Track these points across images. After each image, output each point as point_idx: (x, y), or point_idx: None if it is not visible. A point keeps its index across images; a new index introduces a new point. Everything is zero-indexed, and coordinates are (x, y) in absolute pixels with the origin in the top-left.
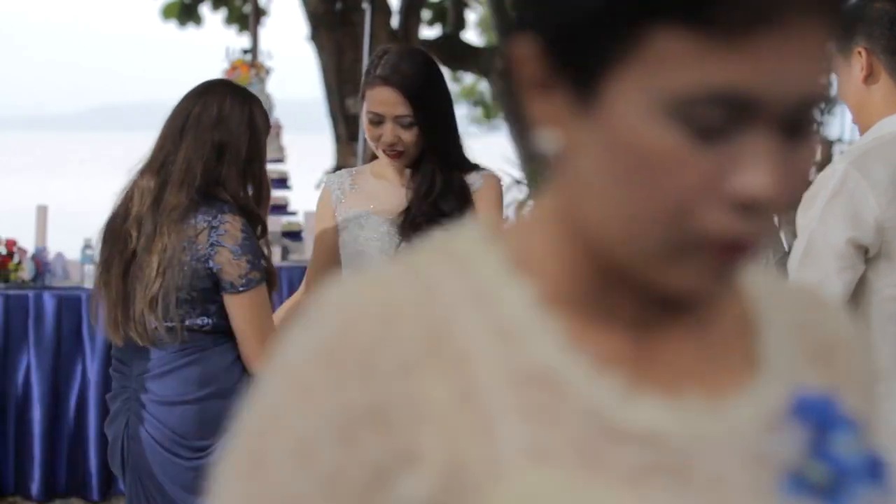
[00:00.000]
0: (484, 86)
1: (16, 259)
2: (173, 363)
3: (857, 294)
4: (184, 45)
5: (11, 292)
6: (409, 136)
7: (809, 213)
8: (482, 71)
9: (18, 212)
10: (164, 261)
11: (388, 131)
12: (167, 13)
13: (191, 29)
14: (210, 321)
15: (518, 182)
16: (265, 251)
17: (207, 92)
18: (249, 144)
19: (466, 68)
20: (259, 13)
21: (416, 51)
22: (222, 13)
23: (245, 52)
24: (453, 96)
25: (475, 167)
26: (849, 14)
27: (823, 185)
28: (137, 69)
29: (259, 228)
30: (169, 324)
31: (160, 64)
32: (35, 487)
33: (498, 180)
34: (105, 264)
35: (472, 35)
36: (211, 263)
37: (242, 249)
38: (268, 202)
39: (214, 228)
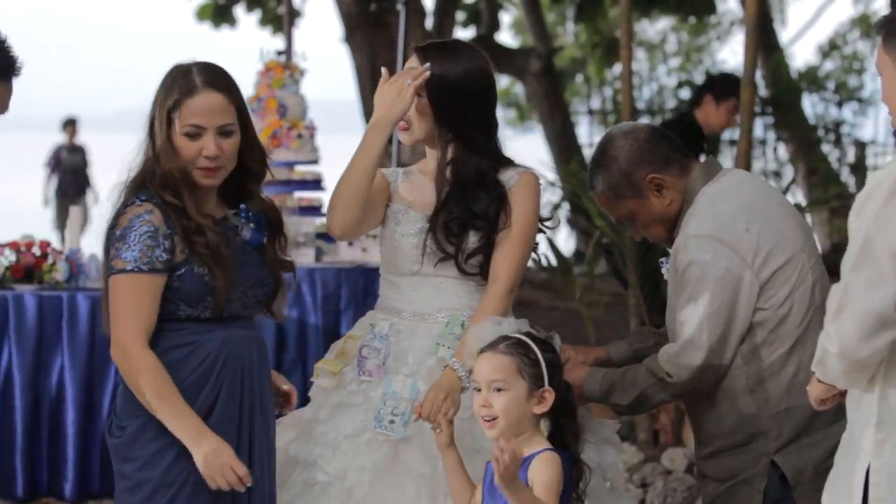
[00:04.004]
0: (518, 87)
1: (49, 260)
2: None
3: None
4: (218, 47)
5: (45, 293)
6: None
7: (864, 214)
8: (516, 72)
9: (37, 212)
10: None
11: None
12: (201, 15)
13: (225, 30)
14: None
15: (552, 184)
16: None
17: None
18: None
19: (500, 70)
20: (293, 14)
21: None
22: (256, 14)
23: (279, 53)
24: None
25: (511, 163)
26: None
27: (878, 186)
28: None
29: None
30: None
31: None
32: (68, 488)
33: (535, 177)
34: None
35: (507, 36)
36: None
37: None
38: None
39: None
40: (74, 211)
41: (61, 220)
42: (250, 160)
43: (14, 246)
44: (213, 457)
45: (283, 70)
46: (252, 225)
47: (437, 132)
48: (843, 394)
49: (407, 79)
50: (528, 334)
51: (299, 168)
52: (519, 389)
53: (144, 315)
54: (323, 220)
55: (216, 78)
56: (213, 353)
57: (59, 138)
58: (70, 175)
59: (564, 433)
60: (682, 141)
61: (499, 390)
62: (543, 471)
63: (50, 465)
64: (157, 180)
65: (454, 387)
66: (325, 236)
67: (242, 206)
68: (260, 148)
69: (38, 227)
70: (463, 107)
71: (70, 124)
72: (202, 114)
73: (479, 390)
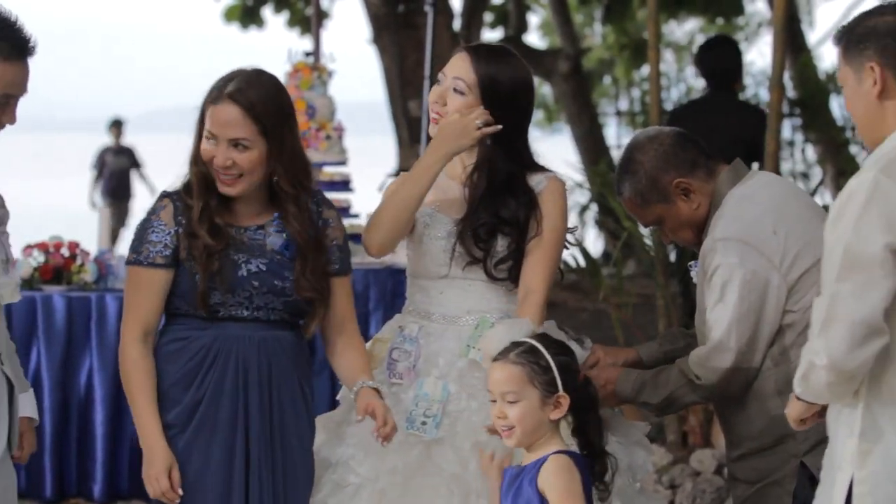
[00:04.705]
0: (546, 89)
1: (78, 261)
2: None
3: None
4: (247, 48)
5: (74, 294)
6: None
7: (841, 223)
8: (544, 74)
9: (79, 213)
10: None
11: None
12: (229, 16)
13: (253, 31)
14: None
15: (580, 185)
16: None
17: None
18: None
19: None
20: (321, 16)
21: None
22: (284, 16)
23: (307, 54)
24: None
25: (539, 168)
26: (860, 27)
27: (853, 195)
28: (199, 71)
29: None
30: None
31: (223, 66)
32: (97, 489)
33: (562, 183)
34: None
35: (534, 38)
36: None
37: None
38: None
39: None
40: (104, 212)
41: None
42: (280, 177)
43: (42, 247)
44: (146, 465)
45: (312, 71)
46: (285, 235)
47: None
48: (821, 414)
49: (478, 119)
50: (540, 337)
51: (327, 169)
52: (531, 399)
53: (142, 308)
54: (351, 220)
55: (246, 91)
56: (202, 349)
57: (106, 140)
58: (116, 178)
59: (588, 428)
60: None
61: (512, 402)
62: (553, 481)
63: (79, 465)
64: (193, 180)
65: None
66: (353, 237)
67: (276, 214)
68: (295, 167)
69: (85, 230)
70: (508, 111)
71: (116, 126)
72: (216, 123)
73: (495, 401)
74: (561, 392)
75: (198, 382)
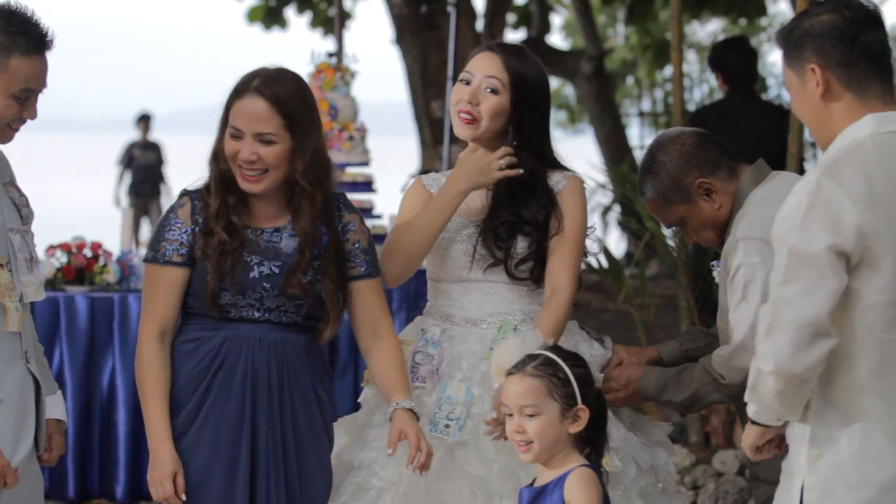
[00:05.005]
0: (569, 89)
1: (101, 262)
2: None
3: (842, 305)
4: (270, 48)
5: (97, 295)
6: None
7: (784, 226)
8: (567, 74)
9: (105, 214)
10: None
11: None
12: (252, 17)
13: (276, 32)
14: None
15: (602, 186)
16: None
17: None
18: None
19: (551, 72)
20: (344, 16)
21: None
22: (307, 17)
23: (330, 55)
24: None
25: (558, 166)
26: (797, 30)
27: (798, 197)
28: (221, 72)
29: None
30: None
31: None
32: (119, 490)
33: (581, 182)
34: None
35: (557, 38)
36: None
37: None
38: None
39: None
40: (127, 212)
41: (136, 221)
42: (299, 174)
43: (65, 247)
44: (152, 468)
45: (335, 72)
46: (298, 238)
47: (502, 132)
48: (780, 445)
49: (502, 160)
50: (555, 349)
51: (350, 170)
52: (551, 412)
53: (158, 306)
54: (374, 221)
55: (272, 86)
56: (212, 350)
57: (133, 135)
58: (144, 173)
59: (596, 439)
60: None
61: (531, 416)
62: (580, 491)
63: (101, 466)
64: (212, 178)
65: None
66: (376, 238)
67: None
68: (316, 165)
69: (113, 231)
70: (535, 108)
71: (143, 120)
72: (242, 117)
73: (511, 415)
74: (580, 405)
75: (205, 383)
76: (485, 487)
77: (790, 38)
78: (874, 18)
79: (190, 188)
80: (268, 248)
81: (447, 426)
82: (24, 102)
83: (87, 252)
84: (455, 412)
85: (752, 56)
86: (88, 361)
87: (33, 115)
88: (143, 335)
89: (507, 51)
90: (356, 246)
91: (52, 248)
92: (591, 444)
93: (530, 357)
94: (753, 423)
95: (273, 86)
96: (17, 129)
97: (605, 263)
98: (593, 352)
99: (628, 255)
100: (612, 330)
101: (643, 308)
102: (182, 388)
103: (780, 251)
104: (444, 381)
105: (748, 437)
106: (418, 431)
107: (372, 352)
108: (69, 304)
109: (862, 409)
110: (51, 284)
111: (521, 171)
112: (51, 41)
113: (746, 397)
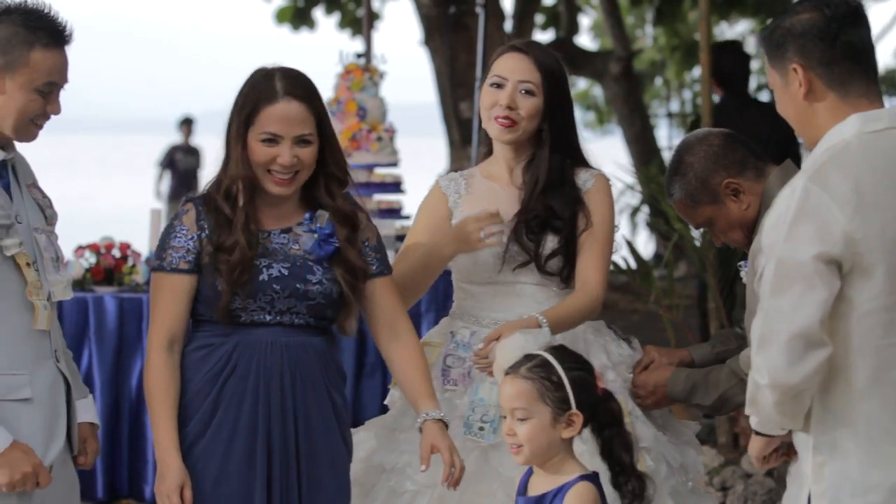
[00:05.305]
0: (597, 90)
1: (129, 262)
2: None
3: (837, 312)
4: (298, 49)
5: (125, 295)
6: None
7: (772, 236)
8: (595, 75)
9: (133, 215)
10: None
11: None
12: (280, 17)
13: (304, 33)
14: None
15: (630, 187)
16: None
17: None
18: None
19: (580, 73)
20: (372, 17)
21: None
22: (335, 17)
23: (359, 55)
24: None
25: (585, 164)
26: (778, 30)
27: (786, 204)
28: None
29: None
30: None
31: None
32: (148, 490)
33: (607, 180)
34: None
35: (586, 39)
36: None
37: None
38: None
39: None
40: (156, 213)
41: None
42: (334, 165)
43: (94, 248)
44: (159, 480)
45: (363, 73)
46: (316, 236)
47: (537, 132)
48: (788, 453)
49: (490, 235)
50: (555, 350)
51: (379, 171)
52: (542, 416)
53: (166, 314)
54: (402, 222)
55: (297, 86)
56: (224, 356)
57: (175, 138)
58: (184, 177)
59: (613, 445)
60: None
61: (521, 419)
62: None
63: (130, 466)
64: (222, 186)
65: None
66: (403, 238)
67: (307, 214)
68: (341, 156)
69: (139, 232)
70: (564, 105)
71: (186, 124)
72: (280, 122)
73: (505, 417)
74: (574, 409)
75: (217, 389)
76: None
77: (772, 39)
78: (855, 16)
79: (193, 195)
80: (276, 249)
81: (481, 428)
82: (48, 97)
83: (116, 253)
84: (489, 414)
85: (744, 58)
86: (117, 362)
87: (57, 111)
88: (151, 344)
89: (535, 50)
90: (366, 244)
91: (80, 248)
92: (611, 452)
93: (528, 358)
94: (757, 433)
95: (298, 86)
96: (41, 126)
97: (633, 264)
98: (622, 351)
99: (657, 256)
100: (640, 331)
101: (671, 309)
102: (194, 396)
103: (769, 261)
104: (475, 384)
105: (754, 448)
106: (450, 445)
107: (393, 355)
108: (98, 305)
109: (863, 415)
110: (80, 285)
111: (499, 243)
112: (70, 35)
113: (747, 409)
